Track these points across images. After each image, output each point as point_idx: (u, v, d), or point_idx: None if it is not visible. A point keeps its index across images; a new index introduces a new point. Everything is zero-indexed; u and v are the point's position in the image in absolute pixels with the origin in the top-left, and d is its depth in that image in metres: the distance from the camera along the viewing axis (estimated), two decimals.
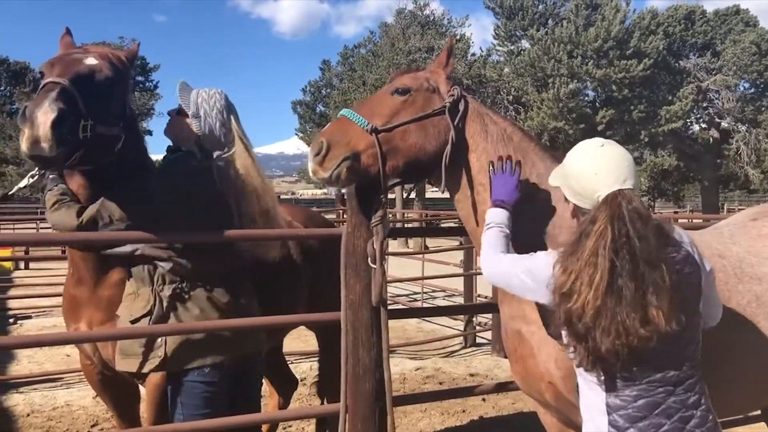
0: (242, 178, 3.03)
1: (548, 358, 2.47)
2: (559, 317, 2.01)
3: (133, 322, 2.96)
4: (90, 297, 3.13)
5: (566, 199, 2.26)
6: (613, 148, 2.19)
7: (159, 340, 2.91)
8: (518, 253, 2.36)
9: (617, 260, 1.94)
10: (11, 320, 9.82)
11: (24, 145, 2.46)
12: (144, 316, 2.94)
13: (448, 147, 2.62)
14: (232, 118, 3.13)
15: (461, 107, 2.70)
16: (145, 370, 2.94)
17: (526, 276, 2.17)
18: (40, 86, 2.61)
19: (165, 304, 2.94)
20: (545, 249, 2.52)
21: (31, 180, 2.92)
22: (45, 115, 2.43)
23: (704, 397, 2.05)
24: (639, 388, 1.99)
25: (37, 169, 2.92)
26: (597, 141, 2.25)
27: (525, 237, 2.50)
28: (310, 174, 2.65)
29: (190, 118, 3.06)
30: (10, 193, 3.04)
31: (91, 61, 2.83)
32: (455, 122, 2.65)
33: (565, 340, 2.07)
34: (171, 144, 3.21)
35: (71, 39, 3.11)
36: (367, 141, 2.59)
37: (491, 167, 2.56)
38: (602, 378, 2.03)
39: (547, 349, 2.47)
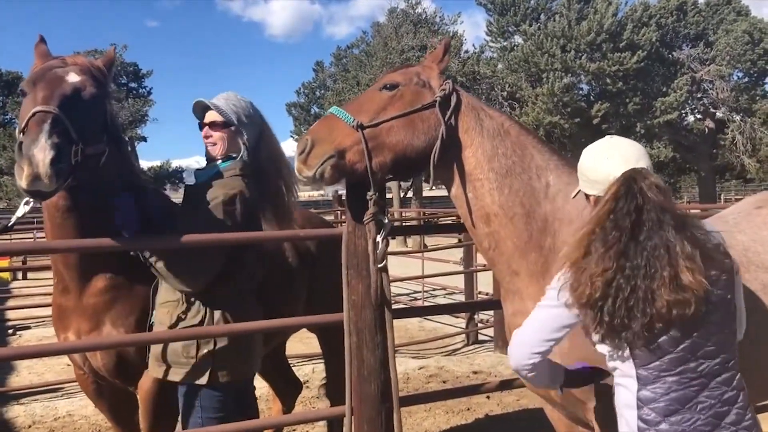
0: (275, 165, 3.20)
1: (553, 356, 2.42)
2: (580, 297, 1.94)
3: (171, 327, 2.96)
4: (76, 306, 3.11)
5: (587, 197, 2.22)
6: (621, 138, 2.21)
7: (206, 350, 2.92)
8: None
9: (628, 232, 1.92)
10: (10, 331, 9.78)
11: (24, 183, 2.44)
12: (195, 325, 2.94)
13: (438, 143, 2.56)
14: (260, 114, 3.26)
15: (453, 101, 2.62)
16: (198, 381, 2.93)
17: (551, 302, 2.07)
18: (30, 114, 2.55)
19: (216, 314, 2.97)
20: (550, 245, 2.50)
21: (27, 207, 2.89)
22: (43, 152, 2.41)
23: (742, 394, 1.98)
24: (672, 380, 1.93)
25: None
26: (607, 137, 2.25)
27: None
28: (296, 173, 2.62)
29: (238, 127, 3.11)
30: (10, 224, 3.03)
31: (73, 78, 2.78)
32: (446, 117, 2.58)
33: (592, 329, 1.98)
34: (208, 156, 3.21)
35: (46, 47, 3.05)
36: (353, 138, 2.55)
37: None
38: (635, 369, 1.97)
39: (555, 349, 2.42)
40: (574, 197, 2.34)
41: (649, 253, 1.90)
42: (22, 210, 2.91)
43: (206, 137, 3.14)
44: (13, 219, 2.99)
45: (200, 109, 3.19)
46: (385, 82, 2.68)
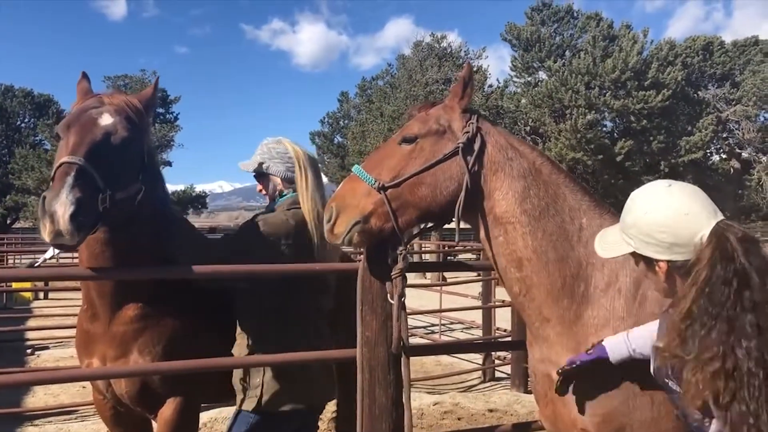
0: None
1: (581, 404, 2.32)
2: (695, 399, 1.62)
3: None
4: (104, 333, 3.12)
5: (650, 264, 1.89)
6: (685, 185, 1.90)
7: (257, 379, 3.03)
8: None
9: (731, 305, 1.63)
10: (29, 351, 9.83)
11: (46, 237, 2.48)
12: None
13: (462, 193, 2.42)
14: (286, 146, 3.30)
15: (477, 145, 2.46)
16: (244, 407, 3.05)
17: None
18: (57, 165, 2.58)
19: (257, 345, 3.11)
20: (583, 292, 2.38)
21: (56, 251, 2.93)
22: (63, 207, 2.44)
23: None
24: None
25: None
26: (660, 183, 1.94)
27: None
28: (327, 238, 2.63)
29: (265, 172, 3.31)
30: (37, 264, 3.08)
31: (106, 120, 2.78)
32: (470, 165, 2.43)
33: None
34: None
35: (88, 84, 3.09)
36: (376, 200, 2.47)
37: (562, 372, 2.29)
38: None
39: (580, 396, 2.32)
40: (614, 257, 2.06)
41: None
42: (50, 253, 2.96)
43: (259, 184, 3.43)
44: (40, 260, 3.07)
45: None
46: (404, 135, 2.56)
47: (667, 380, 1.89)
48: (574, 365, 2.24)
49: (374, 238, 2.56)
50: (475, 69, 30.22)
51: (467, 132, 2.48)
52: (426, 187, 2.47)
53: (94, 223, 2.60)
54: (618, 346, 2.20)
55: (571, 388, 2.35)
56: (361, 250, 2.88)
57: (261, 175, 3.34)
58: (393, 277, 2.69)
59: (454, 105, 2.57)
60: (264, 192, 3.38)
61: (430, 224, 2.73)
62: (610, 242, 2.00)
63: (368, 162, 2.61)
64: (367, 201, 2.49)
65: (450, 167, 2.46)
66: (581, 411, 2.32)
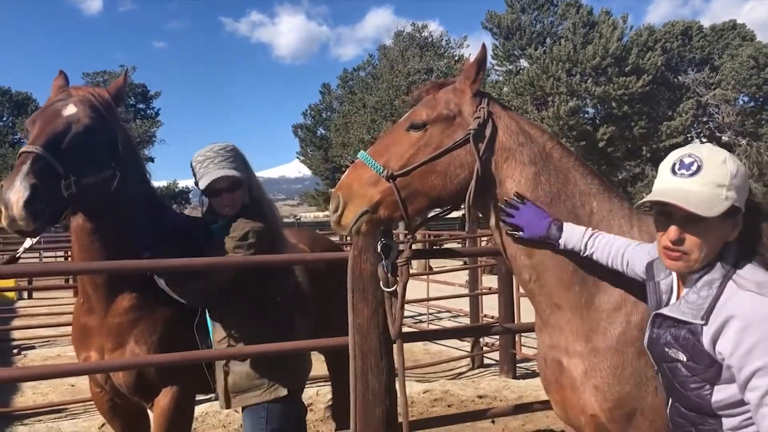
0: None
1: (594, 390, 2.29)
2: None
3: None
4: (101, 325, 3.16)
5: (733, 218, 1.92)
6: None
7: (276, 369, 3.07)
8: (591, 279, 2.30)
9: None
10: (15, 350, 9.75)
11: (4, 223, 2.53)
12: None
13: (473, 183, 2.35)
14: (215, 153, 3.10)
15: (488, 131, 2.37)
16: (269, 398, 3.05)
17: None
18: (18, 156, 2.63)
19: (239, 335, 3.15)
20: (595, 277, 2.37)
21: (33, 240, 2.96)
22: (16, 194, 2.48)
23: None
24: None
25: None
26: (710, 145, 2.02)
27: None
28: (333, 229, 2.51)
29: (245, 181, 3.14)
30: (18, 255, 3.12)
31: (69, 111, 2.83)
32: (481, 152, 2.35)
33: None
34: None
35: (63, 81, 3.12)
36: (384, 189, 2.37)
37: (502, 213, 2.38)
38: None
39: (593, 381, 2.30)
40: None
41: None
42: (28, 242, 2.98)
43: (225, 204, 3.11)
44: (21, 250, 3.10)
45: (210, 180, 3.08)
46: (412, 121, 2.44)
47: (667, 349, 1.89)
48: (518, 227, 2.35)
49: (382, 226, 2.51)
50: (456, 58, 30.26)
51: (478, 117, 2.39)
52: (436, 175, 2.38)
53: (58, 207, 2.66)
54: (574, 236, 2.28)
55: (581, 376, 2.33)
56: (350, 239, 2.87)
57: (237, 186, 3.11)
58: (399, 264, 2.62)
59: (465, 88, 2.45)
60: (229, 206, 3.12)
61: (441, 211, 2.64)
62: (713, 202, 1.85)
63: (375, 148, 2.50)
64: (375, 190, 2.38)
65: (460, 155, 2.38)
66: (592, 399, 2.30)
